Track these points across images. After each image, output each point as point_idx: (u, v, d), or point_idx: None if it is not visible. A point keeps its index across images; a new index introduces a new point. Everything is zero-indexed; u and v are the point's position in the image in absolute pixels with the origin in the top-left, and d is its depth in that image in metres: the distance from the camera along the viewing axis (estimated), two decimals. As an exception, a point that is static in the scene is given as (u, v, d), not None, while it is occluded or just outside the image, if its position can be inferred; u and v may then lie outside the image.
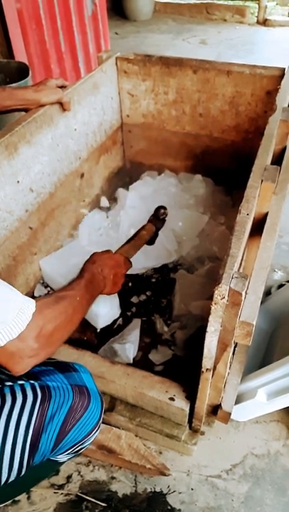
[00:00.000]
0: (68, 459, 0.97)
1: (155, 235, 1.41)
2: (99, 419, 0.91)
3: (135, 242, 1.31)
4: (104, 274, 1.04)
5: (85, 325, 1.40)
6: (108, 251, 1.13)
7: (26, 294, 1.46)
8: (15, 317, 0.68)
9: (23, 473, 0.84)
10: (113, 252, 1.18)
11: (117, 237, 1.68)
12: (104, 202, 1.88)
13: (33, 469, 0.87)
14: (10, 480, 0.83)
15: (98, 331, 1.43)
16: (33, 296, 1.52)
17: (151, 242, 1.40)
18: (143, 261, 1.58)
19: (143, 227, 1.37)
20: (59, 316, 0.78)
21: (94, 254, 1.08)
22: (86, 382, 0.91)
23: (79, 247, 1.61)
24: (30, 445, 0.81)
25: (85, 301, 0.90)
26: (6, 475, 0.81)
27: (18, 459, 0.81)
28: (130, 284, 1.59)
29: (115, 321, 1.46)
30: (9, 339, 0.68)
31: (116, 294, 1.43)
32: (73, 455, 0.95)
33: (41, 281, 1.57)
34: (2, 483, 0.82)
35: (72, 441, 0.87)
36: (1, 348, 0.68)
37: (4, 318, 0.67)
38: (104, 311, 1.41)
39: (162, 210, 1.41)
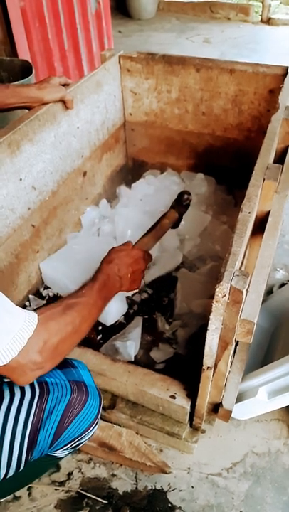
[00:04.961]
0: (66, 454, 0.98)
1: (179, 220, 1.34)
2: (97, 415, 0.91)
3: (156, 232, 1.23)
4: (120, 273, 1.00)
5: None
6: (127, 244, 1.09)
7: (28, 292, 1.49)
8: (14, 336, 0.66)
9: (21, 468, 0.84)
10: (133, 243, 1.13)
11: (117, 235, 1.68)
12: (105, 202, 1.88)
13: (31, 465, 0.88)
14: (9, 475, 0.84)
15: (100, 328, 1.43)
16: (35, 294, 1.53)
17: (174, 226, 1.34)
18: (152, 272, 1.59)
19: (165, 215, 1.29)
20: (65, 327, 0.75)
21: (111, 250, 1.04)
22: (84, 378, 0.91)
23: (80, 245, 1.61)
24: (28, 441, 0.82)
25: (96, 308, 0.87)
26: (5, 470, 0.82)
27: (17, 454, 0.81)
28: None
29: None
30: (10, 358, 0.66)
31: None
32: (71, 450, 0.95)
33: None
34: (1, 478, 0.83)
35: (70, 436, 0.87)
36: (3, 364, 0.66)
37: (4, 337, 0.65)
38: (115, 306, 1.42)
39: (186, 196, 1.33)
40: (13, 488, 1.11)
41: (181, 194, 1.34)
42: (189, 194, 1.34)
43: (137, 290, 1.52)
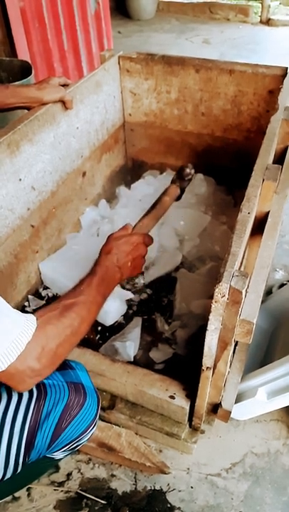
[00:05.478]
0: (65, 456, 0.97)
1: (181, 194, 1.28)
2: (95, 417, 0.91)
3: (157, 211, 1.17)
4: (120, 263, 0.96)
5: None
6: (126, 228, 1.05)
7: (27, 293, 1.49)
8: (13, 340, 0.65)
9: (19, 470, 0.84)
10: (133, 224, 1.10)
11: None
12: (104, 203, 1.88)
13: (29, 467, 0.87)
14: (6, 477, 0.83)
15: (99, 329, 1.43)
16: (34, 294, 1.53)
17: (177, 199, 1.29)
18: (151, 272, 1.59)
19: (165, 192, 1.22)
20: (63, 331, 0.74)
21: (110, 238, 1.00)
22: (82, 380, 0.91)
23: (79, 246, 1.61)
24: (25, 443, 0.82)
25: (95, 305, 0.84)
26: (2, 472, 0.82)
27: (14, 456, 0.81)
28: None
29: (116, 319, 1.47)
30: (8, 363, 0.65)
31: (121, 289, 1.42)
32: (70, 452, 0.95)
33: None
34: None
35: (68, 438, 0.87)
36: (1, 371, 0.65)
37: (2, 342, 0.64)
38: (114, 307, 1.41)
39: (187, 170, 1.25)
40: (11, 490, 1.10)
41: (182, 168, 1.27)
42: (191, 168, 1.27)
43: (134, 295, 1.52)
